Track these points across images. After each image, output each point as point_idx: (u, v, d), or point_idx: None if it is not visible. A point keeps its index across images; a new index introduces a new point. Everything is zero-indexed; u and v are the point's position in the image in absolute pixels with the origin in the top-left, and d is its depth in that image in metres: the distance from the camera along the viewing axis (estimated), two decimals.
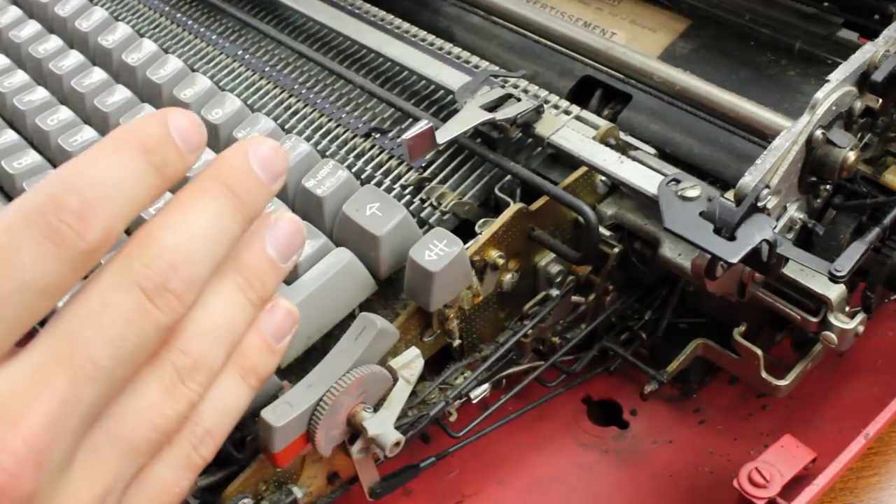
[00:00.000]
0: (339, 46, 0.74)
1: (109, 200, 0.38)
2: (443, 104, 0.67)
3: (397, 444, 0.49)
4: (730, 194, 0.52)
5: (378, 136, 0.65)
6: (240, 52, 0.75)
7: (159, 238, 0.40)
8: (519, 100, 0.61)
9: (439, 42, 0.71)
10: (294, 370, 0.52)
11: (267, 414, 0.47)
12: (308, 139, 0.66)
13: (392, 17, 0.75)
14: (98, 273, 0.39)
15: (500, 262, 0.56)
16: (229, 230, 0.42)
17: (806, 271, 0.53)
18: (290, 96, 0.70)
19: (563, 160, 0.61)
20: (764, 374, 0.60)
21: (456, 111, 0.60)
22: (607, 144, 0.60)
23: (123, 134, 0.40)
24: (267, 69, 0.73)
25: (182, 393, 0.41)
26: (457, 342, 0.57)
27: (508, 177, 0.60)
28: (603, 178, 0.59)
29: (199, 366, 0.41)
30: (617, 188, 0.60)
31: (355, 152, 0.65)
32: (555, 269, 0.60)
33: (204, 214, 0.41)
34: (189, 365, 0.41)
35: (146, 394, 0.40)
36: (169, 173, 0.41)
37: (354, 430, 0.49)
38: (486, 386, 0.59)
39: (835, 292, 0.53)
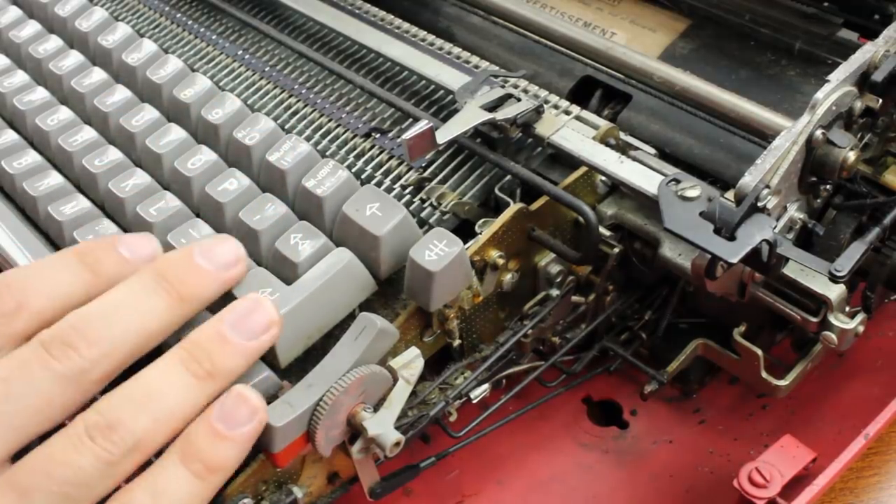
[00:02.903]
0: (339, 46, 0.74)
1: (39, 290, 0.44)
2: (443, 104, 0.67)
3: (397, 444, 0.49)
4: (730, 194, 0.52)
5: (378, 136, 0.65)
6: (240, 52, 0.75)
7: (73, 312, 0.43)
8: (519, 100, 0.61)
9: (439, 42, 0.71)
10: (294, 370, 0.52)
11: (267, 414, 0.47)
12: (308, 139, 0.66)
13: (392, 17, 0.75)
14: None
15: (500, 262, 0.56)
16: (150, 305, 0.44)
17: (806, 271, 0.53)
18: (290, 96, 0.70)
19: (563, 160, 0.61)
20: (764, 374, 0.60)
21: (456, 111, 0.60)
22: (607, 144, 0.60)
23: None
24: (267, 69, 0.73)
25: (88, 448, 0.40)
26: (457, 342, 0.57)
27: (508, 177, 0.60)
28: (603, 178, 0.59)
29: (114, 426, 0.41)
30: (617, 188, 0.60)
31: (355, 152, 0.65)
32: (555, 269, 0.60)
33: (119, 291, 0.44)
34: (100, 423, 0.41)
35: (50, 445, 0.41)
36: (100, 270, 0.45)
37: (354, 430, 0.49)
38: (486, 386, 0.59)
39: (835, 292, 0.53)
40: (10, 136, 0.69)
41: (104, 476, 0.41)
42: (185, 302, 0.45)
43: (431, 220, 0.59)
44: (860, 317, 0.54)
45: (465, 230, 0.57)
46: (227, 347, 0.44)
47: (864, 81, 0.55)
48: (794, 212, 0.55)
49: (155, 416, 0.42)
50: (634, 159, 0.58)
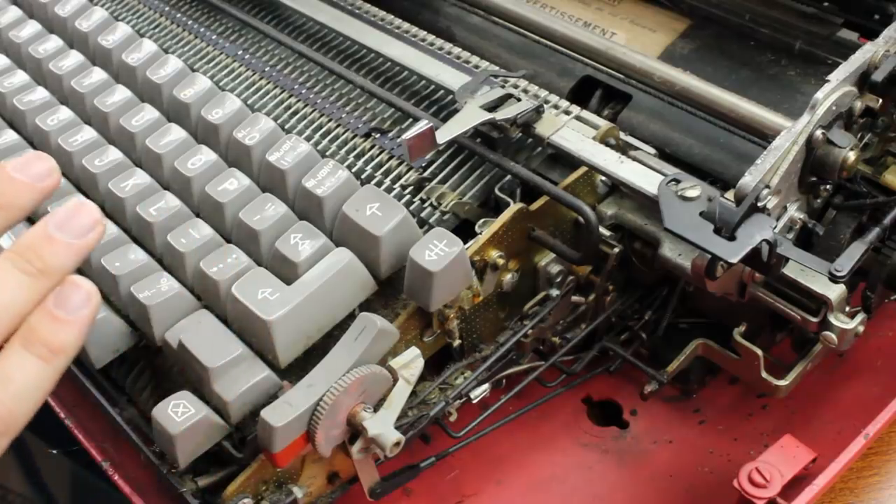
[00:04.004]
0: (339, 46, 0.74)
1: None
2: (443, 104, 0.67)
3: (397, 444, 0.49)
4: (730, 194, 0.52)
5: (378, 136, 0.65)
6: (240, 52, 0.75)
7: None
8: (519, 100, 0.61)
9: (439, 42, 0.71)
10: (294, 370, 0.52)
11: (267, 414, 0.47)
12: (308, 139, 0.66)
13: (392, 17, 0.75)
14: None
15: (500, 262, 0.56)
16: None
17: (806, 271, 0.53)
18: (290, 96, 0.70)
19: (563, 160, 0.61)
20: (764, 374, 0.60)
21: (456, 111, 0.60)
22: (607, 144, 0.60)
23: None
24: (267, 69, 0.73)
25: None
26: (457, 342, 0.57)
27: (508, 177, 0.60)
28: (603, 178, 0.59)
29: None
30: (617, 188, 0.60)
31: (355, 152, 0.65)
32: (555, 269, 0.60)
33: None
34: None
35: None
36: None
37: (354, 430, 0.49)
38: (486, 386, 0.59)
39: (835, 292, 0.53)
40: (10, 136, 0.69)
41: None
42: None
43: (431, 220, 0.59)
44: (860, 317, 0.54)
45: (465, 230, 0.57)
46: (55, 246, 0.45)
47: (864, 81, 0.55)
48: (794, 212, 0.55)
49: None
50: (634, 159, 0.58)
